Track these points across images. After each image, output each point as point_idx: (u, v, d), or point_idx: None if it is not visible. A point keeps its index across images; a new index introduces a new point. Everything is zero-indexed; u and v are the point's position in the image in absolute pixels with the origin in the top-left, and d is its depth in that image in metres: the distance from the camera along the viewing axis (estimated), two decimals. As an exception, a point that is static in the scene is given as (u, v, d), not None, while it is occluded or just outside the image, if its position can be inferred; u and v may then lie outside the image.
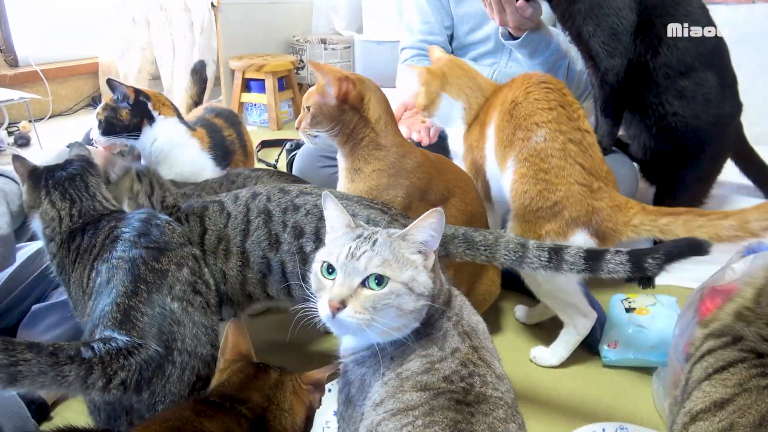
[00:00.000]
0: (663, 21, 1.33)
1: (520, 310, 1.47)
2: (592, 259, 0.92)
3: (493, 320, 1.46)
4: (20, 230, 1.21)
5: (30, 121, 2.73)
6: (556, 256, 0.94)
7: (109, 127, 1.44)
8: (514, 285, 1.50)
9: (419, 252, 0.73)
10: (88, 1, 3.54)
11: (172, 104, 1.60)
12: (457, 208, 1.27)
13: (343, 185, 1.24)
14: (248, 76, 3.33)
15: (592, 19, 1.38)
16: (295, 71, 3.63)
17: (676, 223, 1.05)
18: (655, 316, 1.33)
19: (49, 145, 1.26)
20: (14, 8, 3.21)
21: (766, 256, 1.10)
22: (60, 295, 1.19)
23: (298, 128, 1.24)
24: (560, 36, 1.53)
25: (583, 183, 1.14)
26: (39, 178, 1.00)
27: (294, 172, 1.72)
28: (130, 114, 1.45)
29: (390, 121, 1.22)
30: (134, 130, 1.45)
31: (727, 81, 1.41)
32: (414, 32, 1.87)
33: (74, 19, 3.54)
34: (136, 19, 3.46)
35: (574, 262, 0.92)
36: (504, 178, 1.23)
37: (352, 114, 1.18)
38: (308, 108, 1.20)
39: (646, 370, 1.27)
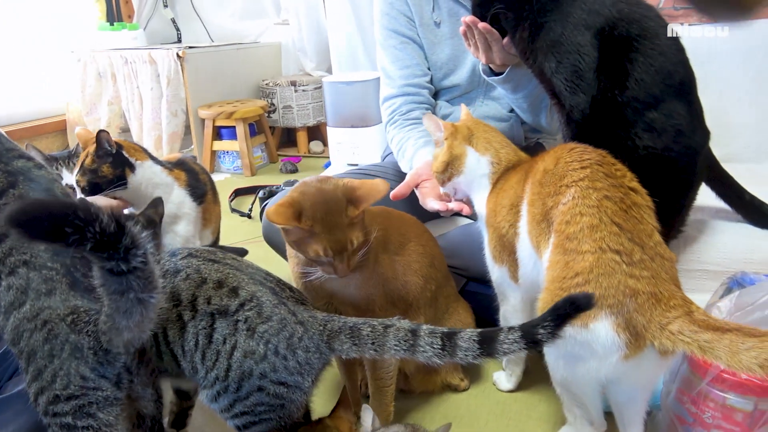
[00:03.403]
0: (628, 57, 1.31)
1: (500, 378, 1.39)
2: (487, 342, 0.87)
3: (478, 393, 1.41)
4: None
5: None
6: (449, 343, 0.89)
7: (95, 189, 1.43)
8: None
9: None
10: (52, 59, 3.51)
11: (142, 147, 1.60)
12: (417, 253, 1.24)
13: None
14: (219, 123, 3.31)
15: (553, 55, 1.36)
16: (267, 115, 3.61)
17: (720, 344, 0.84)
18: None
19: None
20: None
21: (751, 292, 1.07)
22: (15, 386, 1.11)
23: None
24: None
25: (618, 250, 0.94)
26: None
27: (263, 226, 1.67)
28: (112, 166, 1.44)
29: None
30: (119, 180, 1.45)
31: (696, 110, 1.39)
32: (395, 79, 1.77)
33: (38, 78, 3.50)
34: (101, 73, 3.44)
35: (469, 348, 0.87)
36: (543, 261, 1.05)
37: None
38: None
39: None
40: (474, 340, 0.87)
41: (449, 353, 0.88)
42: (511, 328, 0.86)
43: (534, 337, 0.83)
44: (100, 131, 1.41)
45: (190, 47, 3.32)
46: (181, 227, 1.51)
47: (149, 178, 1.51)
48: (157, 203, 1.27)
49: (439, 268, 1.30)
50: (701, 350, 0.85)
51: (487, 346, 0.86)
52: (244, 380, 0.95)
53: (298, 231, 1.02)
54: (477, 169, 1.25)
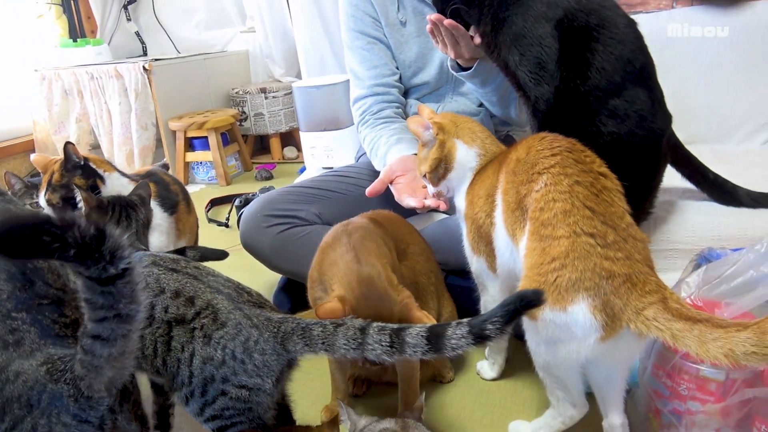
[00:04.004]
0: (589, 46, 1.34)
1: (483, 367, 1.41)
2: (435, 338, 0.87)
3: (462, 383, 1.43)
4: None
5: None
6: (397, 339, 0.89)
7: (68, 204, 1.40)
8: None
9: None
10: (15, 79, 3.46)
11: (106, 160, 1.58)
12: (416, 253, 1.30)
13: None
14: (190, 134, 3.29)
15: (516, 48, 1.39)
16: (238, 123, 3.60)
17: (690, 334, 0.86)
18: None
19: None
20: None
21: (717, 266, 1.11)
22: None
23: None
24: None
25: (592, 233, 0.95)
26: None
27: (240, 233, 1.67)
28: (83, 178, 1.41)
29: None
30: (93, 192, 1.41)
31: (657, 95, 1.43)
32: (364, 80, 1.78)
33: (1, 99, 3.44)
34: (67, 91, 3.39)
35: (417, 344, 0.87)
36: (520, 249, 1.07)
37: None
38: None
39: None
40: (422, 336, 0.87)
41: (398, 350, 0.88)
42: (459, 323, 0.86)
43: (482, 332, 0.84)
44: (67, 143, 1.38)
45: (157, 59, 3.30)
46: (154, 239, 1.50)
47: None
48: (141, 186, 1.29)
49: (431, 258, 1.37)
50: (673, 338, 0.87)
51: (435, 342, 0.87)
52: (208, 385, 0.96)
53: None
54: (466, 162, 1.25)
